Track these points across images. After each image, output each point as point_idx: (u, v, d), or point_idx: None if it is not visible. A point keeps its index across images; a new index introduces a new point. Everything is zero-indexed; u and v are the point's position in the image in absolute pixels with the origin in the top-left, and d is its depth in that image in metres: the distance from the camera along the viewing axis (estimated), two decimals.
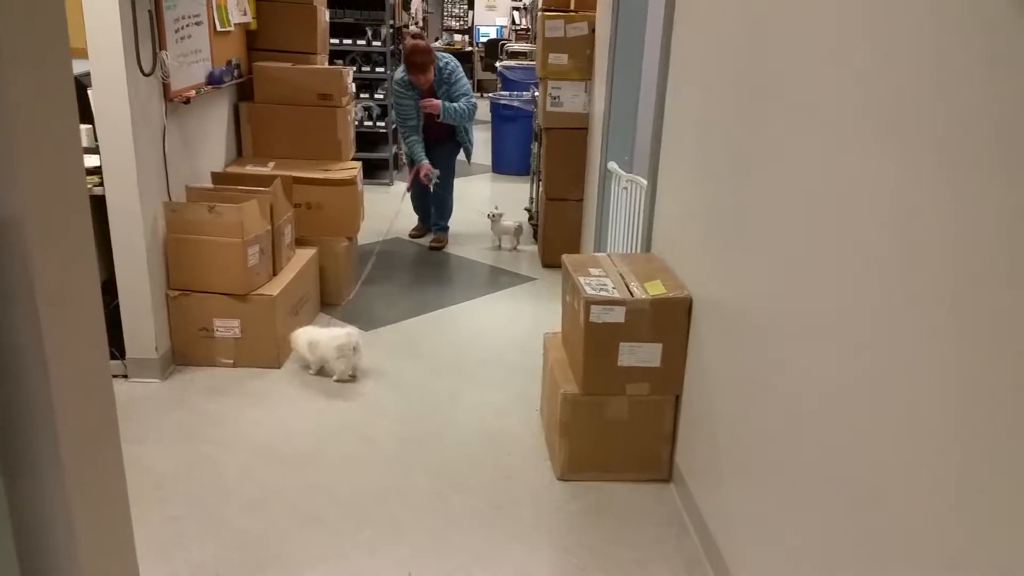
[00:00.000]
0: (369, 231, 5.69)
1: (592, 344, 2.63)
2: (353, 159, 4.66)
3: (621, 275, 2.80)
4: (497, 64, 9.62)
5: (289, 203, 3.96)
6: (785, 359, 1.92)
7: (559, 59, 4.63)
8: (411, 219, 5.89)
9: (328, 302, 4.35)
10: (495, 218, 5.49)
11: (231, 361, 3.56)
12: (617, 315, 2.60)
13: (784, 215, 1.91)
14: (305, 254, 4.07)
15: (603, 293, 2.63)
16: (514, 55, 10.51)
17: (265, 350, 3.56)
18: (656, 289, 2.67)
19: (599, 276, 2.79)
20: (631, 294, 2.64)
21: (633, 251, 3.54)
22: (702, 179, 2.56)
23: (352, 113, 4.60)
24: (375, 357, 3.77)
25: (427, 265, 5.14)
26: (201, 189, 3.63)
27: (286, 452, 2.95)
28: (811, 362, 1.77)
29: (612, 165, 4.14)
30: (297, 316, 3.84)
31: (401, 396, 3.41)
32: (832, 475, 1.66)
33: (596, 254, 3.07)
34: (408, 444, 3.04)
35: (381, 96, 7.21)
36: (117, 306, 3.31)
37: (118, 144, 3.11)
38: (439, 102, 5.15)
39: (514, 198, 6.89)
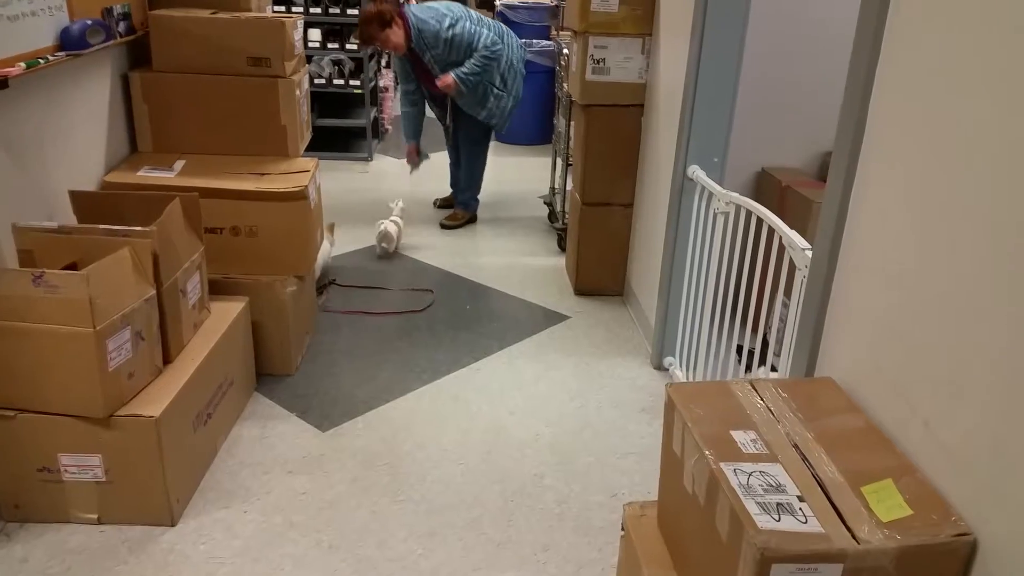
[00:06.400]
0: (340, 235, 4.23)
1: None
2: (310, 152, 3.19)
3: (796, 447, 1.42)
4: (497, 2, 8.04)
5: (197, 237, 2.53)
6: None
7: (607, 4, 3.13)
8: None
9: (268, 372, 2.94)
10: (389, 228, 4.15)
11: (94, 516, 2.17)
12: None
13: None
14: (229, 310, 2.65)
15: (791, 523, 1.24)
16: None
17: (148, 498, 2.16)
18: (891, 507, 1.29)
19: (758, 454, 1.39)
20: (840, 518, 1.25)
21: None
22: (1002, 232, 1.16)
23: (303, 86, 3.13)
24: (336, 493, 2.38)
25: (412, 292, 3.72)
26: (39, 232, 2.18)
27: None
28: None
29: (696, 171, 2.71)
30: (210, 422, 2.44)
31: None
32: None
33: (728, 382, 1.67)
34: None
35: (354, 47, 5.65)
36: None
37: None
38: (453, 80, 4.03)
39: (525, 178, 5.43)
